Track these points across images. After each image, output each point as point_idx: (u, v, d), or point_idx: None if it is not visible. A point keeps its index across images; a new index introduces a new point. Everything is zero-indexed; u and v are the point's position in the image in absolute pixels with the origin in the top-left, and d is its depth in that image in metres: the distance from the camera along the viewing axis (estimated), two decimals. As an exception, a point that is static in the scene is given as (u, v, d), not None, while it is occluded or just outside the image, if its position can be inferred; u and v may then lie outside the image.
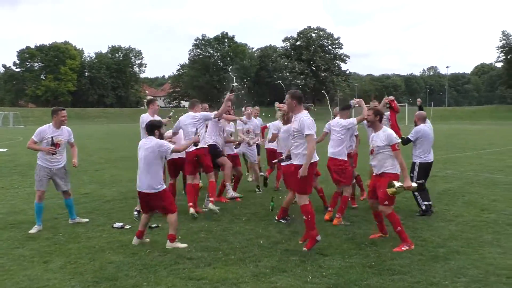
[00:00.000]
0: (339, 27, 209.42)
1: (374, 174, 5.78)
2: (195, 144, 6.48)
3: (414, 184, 5.57)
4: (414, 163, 7.08)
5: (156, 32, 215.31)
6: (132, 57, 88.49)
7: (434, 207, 7.27)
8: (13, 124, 51.71)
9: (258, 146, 9.48)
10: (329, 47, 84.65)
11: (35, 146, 6.37)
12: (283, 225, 6.46)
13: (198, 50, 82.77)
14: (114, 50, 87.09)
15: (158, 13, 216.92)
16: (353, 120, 6.68)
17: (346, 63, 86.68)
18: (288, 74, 78.82)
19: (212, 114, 7.24)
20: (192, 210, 6.72)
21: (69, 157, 6.69)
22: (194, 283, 4.35)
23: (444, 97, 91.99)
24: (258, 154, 9.68)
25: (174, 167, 7.51)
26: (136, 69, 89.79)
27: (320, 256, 5.06)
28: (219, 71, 78.70)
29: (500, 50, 71.80)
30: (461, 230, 6.08)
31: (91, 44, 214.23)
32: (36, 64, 79.04)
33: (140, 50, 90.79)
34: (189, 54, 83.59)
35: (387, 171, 5.53)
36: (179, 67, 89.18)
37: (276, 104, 8.82)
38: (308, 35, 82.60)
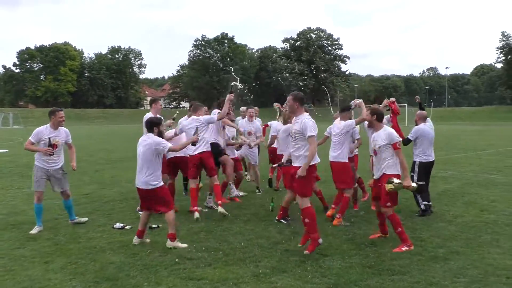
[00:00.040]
0: (339, 27, 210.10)
1: (374, 176, 5.79)
2: (193, 144, 6.49)
3: (414, 184, 5.55)
4: (414, 162, 7.11)
5: (156, 33, 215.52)
6: (132, 58, 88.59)
7: (434, 207, 7.29)
8: (13, 125, 51.72)
9: (258, 145, 9.51)
10: (329, 48, 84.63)
11: (33, 147, 6.35)
12: (283, 225, 6.48)
13: (198, 51, 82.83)
14: (114, 51, 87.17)
15: (157, 14, 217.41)
16: (352, 122, 6.66)
17: (345, 64, 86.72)
18: (288, 75, 78.86)
19: (215, 117, 7.24)
20: (197, 214, 6.73)
21: (67, 158, 6.69)
22: (195, 283, 4.37)
23: (444, 97, 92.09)
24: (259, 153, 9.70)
25: (173, 166, 7.52)
26: (136, 69, 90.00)
27: (320, 256, 5.08)
28: (218, 71, 78.74)
29: (499, 51, 71.79)
30: (460, 231, 6.10)
31: (91, 45, 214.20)
32: (36, 65, 79.15)
33: (140, 51, 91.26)
34: (189, 54, 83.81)
35: (387, 172, 5.51)
36: (178, 68, 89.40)
37: (275, 104, 8.85)
38: (308, 35, 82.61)
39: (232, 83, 7.57)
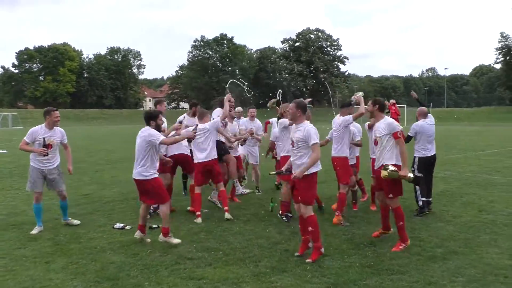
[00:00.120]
0: (338, 28, 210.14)
1: (375, 167, 5.78)
2: (189, 140, 6.53)
3: (410, 175, 5.46)
4: (414, 157, 7.23)
5: (155, 34, 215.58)
6: (131, 59, 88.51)
7: (433, 207, 7.32)
8: (12, 126, 51.66)
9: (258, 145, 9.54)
10: (328, 49, 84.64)
11: (27, 147, 6.32)
12: (283, 225, 6.51)
13: (197, 51, 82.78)
14: (113, 51, 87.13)
15: (157, 15, 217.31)
16: (349, 117, 6.69)
17: (345, 65, 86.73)
18: (287, 75, 78.86)
19: (219, 120, 7.27)
20: (200, 219, 6.79)
21: (64, 159, 6.70)
22: (195, 282, 4.40)
23: (443, 98, 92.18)
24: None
25: (173, 164, 7.49)
26: (135, 70, 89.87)
27: (320, 256, 5.11)
28: (218, 72, 78.71)
29: (498, 51, 71.81)
30: (459, 231, 6.13)
31: (90, 45, 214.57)
32: (35, 65, 79.05)
33: (139, 52, 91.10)
34: (188, 55, 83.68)
35: (386, 162, 5.46)
36: (178, 68, 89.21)
37: (271, 102, 8.81)
38: (307, 36, 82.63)
39: (227, 86, 7.66)
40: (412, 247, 5.40)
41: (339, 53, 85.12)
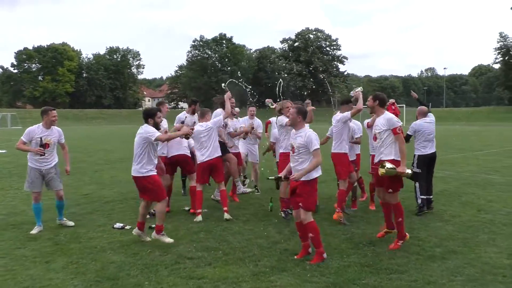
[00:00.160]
0: (337, 28, 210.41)
1: (375, 161, 5.78)
2: (186, 136, 6.56)
3: (408, 171, 5.42)
4: (414, 155, 7.30)
5: (154, 33, 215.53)
6: (130, 58, 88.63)
7: (433, 206, 7.35)
8: (11, 126, 51.65)
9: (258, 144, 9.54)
10: (327, 49, 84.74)
11: (24, 147, 6.31)
12: (282, 225, 6.52)
13: (196, 51, 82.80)
14: (112, 51, 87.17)
15: (156, 14, 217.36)
16: (347, 113, 6.71)
17: (344, 64, 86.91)
18: (286, 75, 78.87)
19: (221, 118, 7.30)
20: (200, 218, 6.83)
21: (61, 159, 6.69)
22: (195, 282, 4.41)
23: (442, 98, 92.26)
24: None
25: (173, 164, 7.52)
26: (134, 70, 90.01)
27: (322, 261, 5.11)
28: (217, 72, 78.71)
29: (497, 51, 71.93)
30: (457, 230, 6.15)
31: (89, 45, 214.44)
32: (34, 65, 79.12)
33: (138, 51, 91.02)
34: (187, 55, 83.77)
35: (385, 158, 5.44)
36: (177, 68, 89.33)
37: (267, 100, 8.80)
38: (306, 36, 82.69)
39: (225, 85, 7.68)
40: (411, 246, 5.42)
41: (338, 53, 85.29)
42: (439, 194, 8.69)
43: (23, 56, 77.78)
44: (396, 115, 7.59)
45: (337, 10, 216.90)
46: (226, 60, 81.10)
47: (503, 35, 70.67)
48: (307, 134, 5.02)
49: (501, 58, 72.06)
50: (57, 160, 6.56)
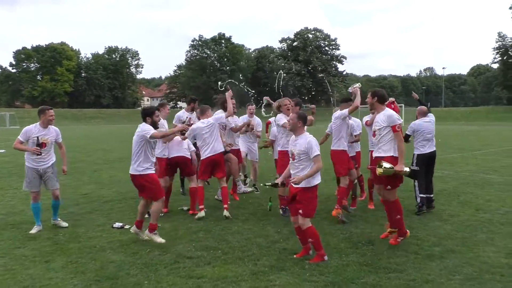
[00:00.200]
0: (336, 28, 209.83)
1: (373, 157, 5.78)
2: (182, 133, 6.57)
3: (406, 169, 5.39)
4: (413, 154, 7.34)
5: (153, 33, 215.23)
6: (129, 58, 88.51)
7: (434, 205, 7.36)
8: (10, 125, 51.57)
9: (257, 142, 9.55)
10: (326, 48, 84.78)
11: (21, 146, 6.27)
12: (281, 224, 6.54)
13: (195, 51, 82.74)
14: (111, 50, 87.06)
15: (155, 14, 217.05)
16: (345, 111, 6.73)
17: (343, 64, 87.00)
18: (285, 75, 78.82)
19: (223, 115, 7.31)
20: (203, 212, 6.88)
21: (59, 159, 6.69)
22: (194, 281, 4.42)
23: (441, 98, 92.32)
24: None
25: (172, 166, 7.53)
26: (133, 69, 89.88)
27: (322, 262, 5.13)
28: (216, 72, 78.67)
29: (496, 51, 71.98)
30: (456, 230, 6.18)
31: (88, 44, 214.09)
32: (32, 65, 78.97)
33: (137, 51, 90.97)
34: (186, 55, 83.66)
35: (384, 154, 5.43)
36: (176, 68, 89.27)
37: (264, 98, 8.79)
38: (305, 36, 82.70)
39: (224, 83, 7.68)
40: (409, 245, 5.44)
41: (337, 52, 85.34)
42: (438, 193, 8.70)
43: (21, 55, 77.65)
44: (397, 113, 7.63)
45: (337, 10, 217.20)
46: (225, 59, 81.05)
47: (502, 35, 70.77)
48: (308, 140, 4.97)
49: (500, 58, 72.15)
50: (54, 160, 6.53)
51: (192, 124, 7.22)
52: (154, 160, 5.89)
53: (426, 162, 7.28)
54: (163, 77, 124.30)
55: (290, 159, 5.15)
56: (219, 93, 8.23)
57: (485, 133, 30.08)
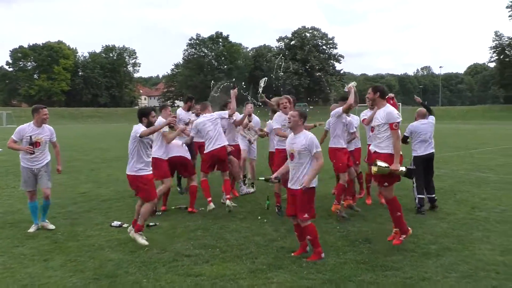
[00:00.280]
0: (334, 27, 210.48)
1: (371, 152, 5.80)
2: (171, 126, 6.63)
3: (402, 168, 5.36)
4: (412, 156, 7.39)
5: (150, 32, 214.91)
6: (126, 57, 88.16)
7: (437, 204, 7.39)
8: (7, 124, 51.39)
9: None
10: (324, 47, 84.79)
11: (15, 146, 6.23)
12: (279, 223, 6.57)
13: (193, 49, 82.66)
14: (108, 49, 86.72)
15: (152, 13, 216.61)
16: (339, 109, 6.79)
17: (340, 63, 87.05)
18: (282, 74, 78.85)
19: (226, 112, 7.35)
20: (212, 204, 6.98)
21: (53, 159, 6.64)
22: (193, 279, 4.45)
23: (438, 96, 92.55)
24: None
25: (172, 166, 7.52)
26: (130, 68, 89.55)
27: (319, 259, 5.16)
28: (213, 70, 78.63)
29: (492, 50, 72.17)
30: (452, 228, 6.23)
31: (85, 43, 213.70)
32: (29, 63, 78.63)
33: (134, 50, 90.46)
34: (184, 53, 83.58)
35: (381, 151, 5.42)
36: (173, 67, 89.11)
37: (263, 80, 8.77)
38: (303, 35, 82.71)
39: (225, 83, 7.72)
40: (406, 243, 5.47)
41: (334, 51, 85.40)
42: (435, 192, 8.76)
43: (18, 54, 77.30)
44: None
45: (334, 9, 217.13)
46: (223, 58, 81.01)
47: (498, 34, 71.00)
48: (309, 136, 4.97)
49: (496, 57, 72.38)
50: (49, 159, 6.45)
51: (191, 121, 7.29)
52: (148, 160, 5.85)
53: (424, 163, 7.32)
54: (160, 76, 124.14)
55: (289, 158, 5.14)
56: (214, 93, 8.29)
57: (482, 132, 30.21)
